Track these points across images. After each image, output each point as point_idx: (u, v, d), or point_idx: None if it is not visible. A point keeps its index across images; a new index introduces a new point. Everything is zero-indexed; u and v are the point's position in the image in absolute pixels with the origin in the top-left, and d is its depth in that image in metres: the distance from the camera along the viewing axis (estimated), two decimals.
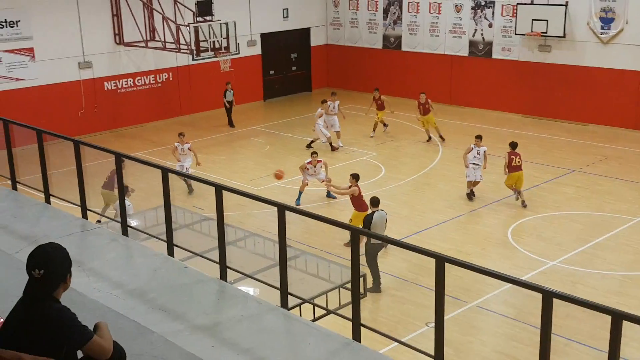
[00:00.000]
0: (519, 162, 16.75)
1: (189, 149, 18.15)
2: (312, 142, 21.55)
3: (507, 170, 16.75)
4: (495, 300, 12.37)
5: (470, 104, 26.25)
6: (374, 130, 22.85)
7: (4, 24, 21.41)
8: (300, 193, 17.34)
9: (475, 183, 17.34)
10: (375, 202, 13.45)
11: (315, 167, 17.38)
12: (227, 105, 24.64)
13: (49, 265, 3.76)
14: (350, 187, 15.03)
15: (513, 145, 17.04)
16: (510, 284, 5.67)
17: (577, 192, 17.74)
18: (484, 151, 17.29)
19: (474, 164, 17.25)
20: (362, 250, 12.73)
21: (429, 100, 22.01)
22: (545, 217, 16.20)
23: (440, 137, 22.19)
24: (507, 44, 25.08)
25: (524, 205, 16.65)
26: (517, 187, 16.80)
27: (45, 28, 22.19)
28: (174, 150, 18.20)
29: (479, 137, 17.65)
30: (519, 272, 12.93)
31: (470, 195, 17.29)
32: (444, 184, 18.84)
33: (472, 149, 17.35)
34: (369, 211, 13.44)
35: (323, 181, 17.33)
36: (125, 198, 12.92)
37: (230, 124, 24.57)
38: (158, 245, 8.88)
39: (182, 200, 15.05)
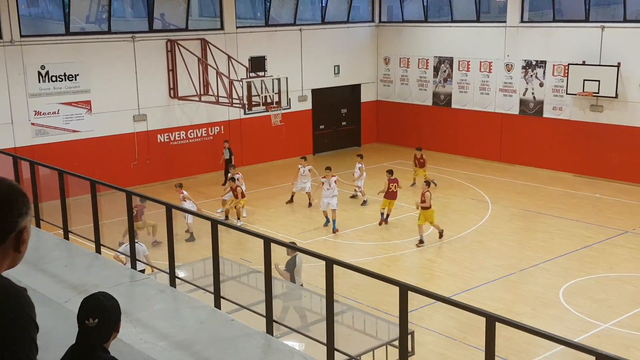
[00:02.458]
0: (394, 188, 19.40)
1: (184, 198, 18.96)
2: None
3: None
4: None
5: (520, 162, 26.00)
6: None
7: (63, 77, 22.13)
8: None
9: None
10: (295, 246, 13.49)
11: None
12: (224, 163, 24.31)
13: (103, 314, 3.77)
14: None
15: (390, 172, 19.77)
16: (562, 346, 5.51)
17: (630, 254, 17.29)
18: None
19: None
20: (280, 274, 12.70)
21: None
22: (597, 279, 15.79)
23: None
24: (559, 103, 24.91)
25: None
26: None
27: (103, 82, 22.87)
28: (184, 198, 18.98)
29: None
30: (571, 334, 12.57)
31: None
32: (494, 242, 18.58)
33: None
34: (291, 256, 13.14)
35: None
36: (136, 240, 13.32)
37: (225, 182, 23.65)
38: (205, 297, 8.90)
39: (230, 252, 15.12)
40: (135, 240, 13.50)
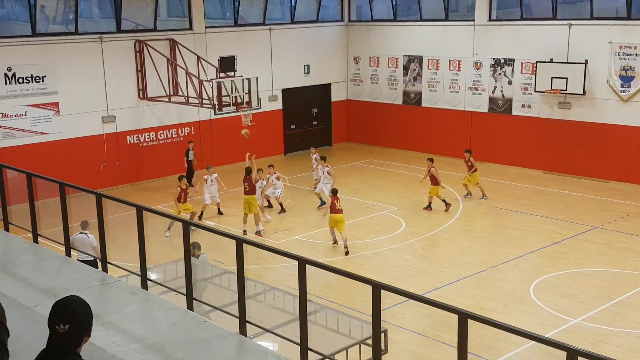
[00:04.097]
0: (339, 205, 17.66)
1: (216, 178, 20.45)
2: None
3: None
4: (517, 358, 12.13)
5: (490, 159, 26.21)
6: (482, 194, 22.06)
7: (30, 79, 21.85)
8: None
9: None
10: (197, 245, 13.49)
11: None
12: (187, 165, 24.07)
13: (74, 320, 3.71)
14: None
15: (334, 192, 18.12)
16: (533, 342, 5.56)
17: (599, 249, 17.53)
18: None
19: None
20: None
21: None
22: (567, 274, 15.98)
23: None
24: (527, 100, 25.16)
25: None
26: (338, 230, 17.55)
27: (71, 83, 22.63)
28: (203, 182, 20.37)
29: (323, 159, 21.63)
30: (542, 330, 12.71)
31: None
32: (465, 240, 18.71)
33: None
34: (197, 254, 13.35)
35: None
36: (87, 231, 13.45)
37: (190, 183, 23.00)
38: (178, 299, 8.84)
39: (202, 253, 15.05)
40: (84, 232, 13.64)
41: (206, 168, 21.38)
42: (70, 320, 3.71)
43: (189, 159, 24.25)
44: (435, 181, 20.63)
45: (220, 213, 20.92)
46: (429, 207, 20.82)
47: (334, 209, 17.50)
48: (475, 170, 21.81)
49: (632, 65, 22.52)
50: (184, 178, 19.79)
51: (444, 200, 20.70)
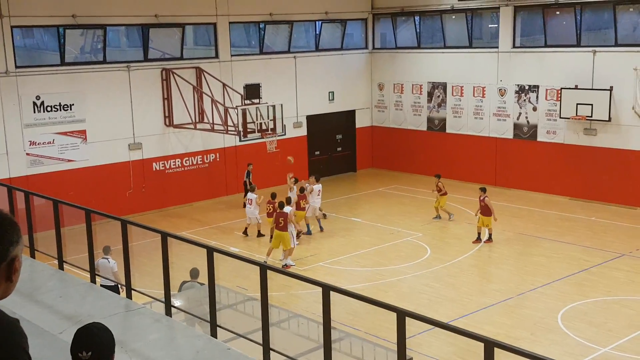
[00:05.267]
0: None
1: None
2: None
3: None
4: None
5: (515, 185, 26.04)
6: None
7: (58, 107, 22.14)
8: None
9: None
10: (195, 273, 13.40)
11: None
12: (245, 186, 24.22)
13: (97, 347, 3.71)
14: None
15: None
16: None
17: (628, 277, 17.24)
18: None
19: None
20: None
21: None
22: (595, 302, 15.73)
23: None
24: (552, 127, 24.99)
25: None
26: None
27: (98, 111, 22.88)
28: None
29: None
30: (571, 359, 12.48)
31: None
32: (491, 266, 18.52)
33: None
34: (190, 280, 13.32)
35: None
36: (108, 257, 13.57)
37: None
38: (201, 326, 8.83)
39: (226, 279, 15.06)
40: (106, 257, 13.75)
41: (250, 189, 21.74)
42: (93, 348, 3.70)
43: (246, 179, 24.44)
44: (487, 212, 19.83)
45: (260, 235, 21.31)
46: (479, 239, 20.12)
47: (298, 206, 20.42)
48: (445, 194, 22.27)
49: None
50: (275, 197, 20.18)
51: (488, 234, 20.15)
